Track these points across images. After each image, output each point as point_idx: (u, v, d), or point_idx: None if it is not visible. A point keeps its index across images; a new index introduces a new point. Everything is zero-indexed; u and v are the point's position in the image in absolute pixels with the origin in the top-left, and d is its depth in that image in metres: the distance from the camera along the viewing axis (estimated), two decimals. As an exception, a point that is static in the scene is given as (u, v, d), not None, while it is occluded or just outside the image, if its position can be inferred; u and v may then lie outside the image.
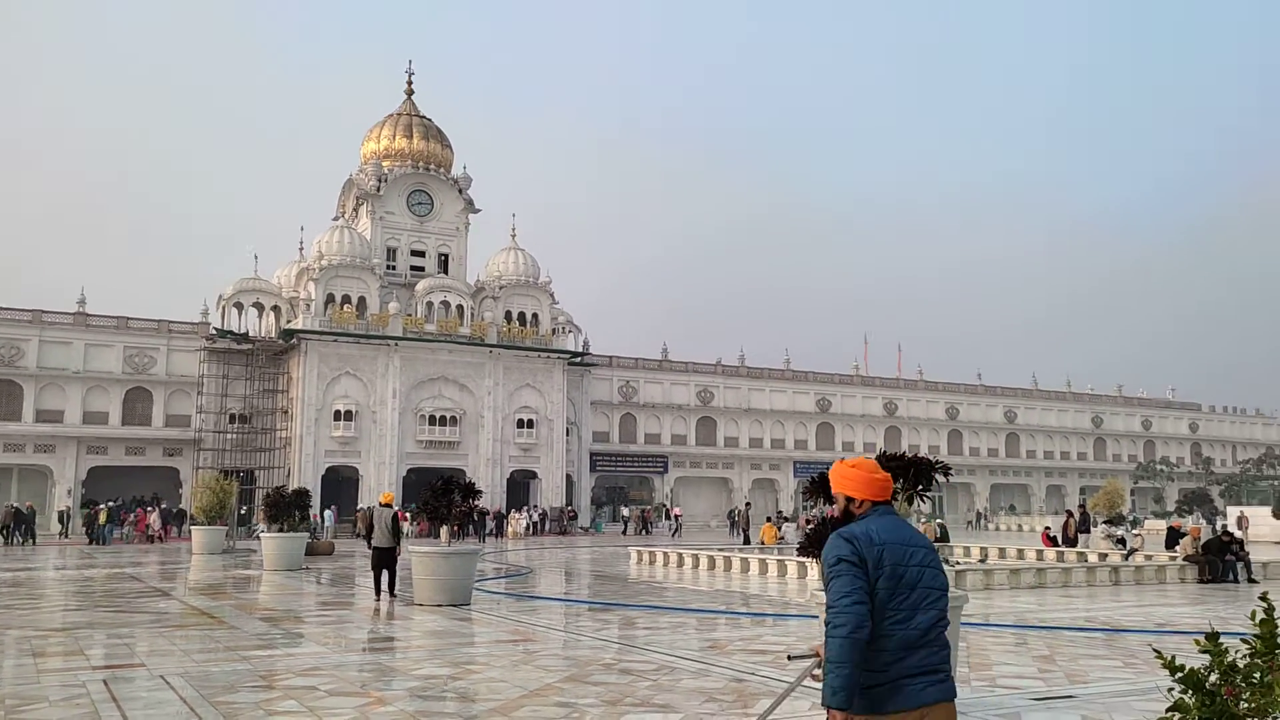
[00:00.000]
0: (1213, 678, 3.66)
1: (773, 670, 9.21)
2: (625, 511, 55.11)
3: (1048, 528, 36.03)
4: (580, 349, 60.54)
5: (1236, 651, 3.83)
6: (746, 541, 37.07)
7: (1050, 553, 25.92)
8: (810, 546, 7.61)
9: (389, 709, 7.63)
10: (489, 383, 54.59)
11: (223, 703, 7.81)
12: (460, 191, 58.15)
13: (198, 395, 51.42)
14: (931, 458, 8.06)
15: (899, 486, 7.67)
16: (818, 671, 3.63)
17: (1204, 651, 3.83)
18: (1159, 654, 4.01)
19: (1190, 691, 3.68)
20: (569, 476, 58.69)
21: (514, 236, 58.79)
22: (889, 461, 7.53)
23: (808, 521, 26.55)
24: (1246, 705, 3.57)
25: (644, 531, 50.86)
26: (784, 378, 73.23)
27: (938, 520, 37.93)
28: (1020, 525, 63.45)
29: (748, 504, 49.76)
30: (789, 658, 5.45)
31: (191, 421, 51.71)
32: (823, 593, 7.45)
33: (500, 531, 47.09)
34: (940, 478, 8.06)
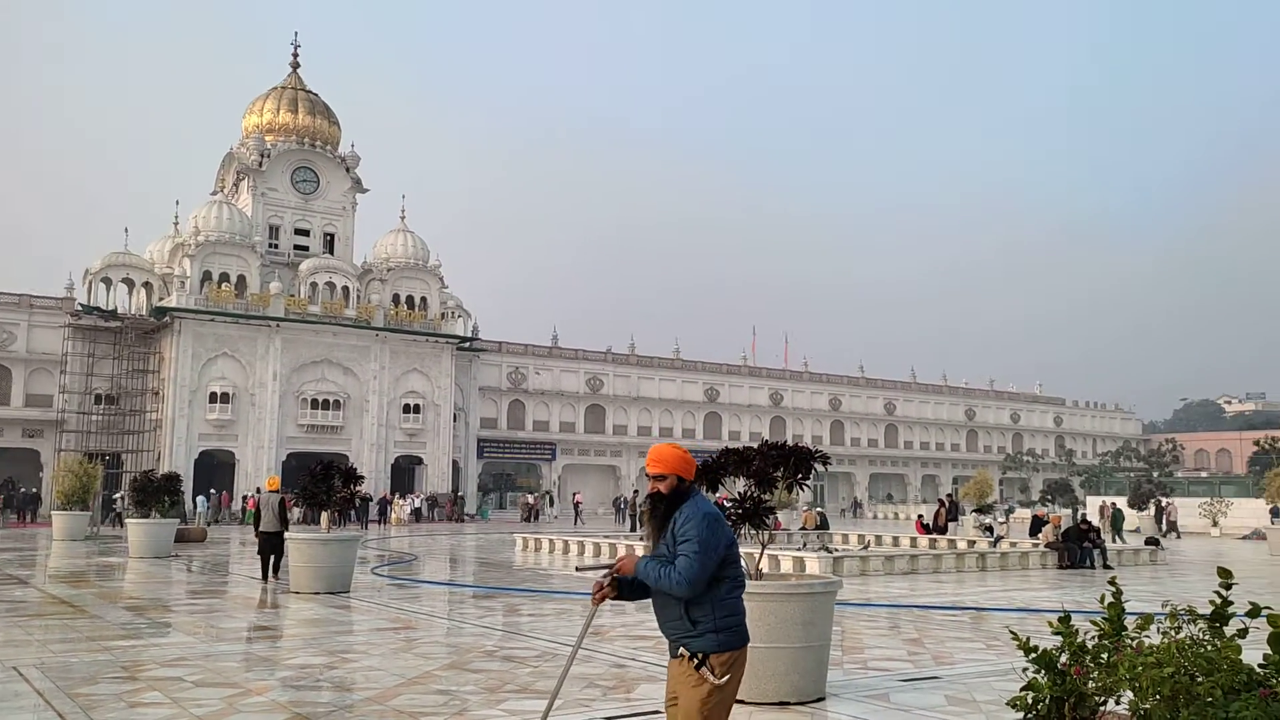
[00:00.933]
0: (1063, 658, 3.87)
1: (653, 655, 9.30)
2: (530, 499, 54.47)
3: (921, 515, 37.32)
4: (470, 334, 59.83)
5: (1087, 633, 4.04)
6: (634, 529, 37.32)
7: (923, 540, 26.87)
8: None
9: (259, 700, 7.41)
10: (375, 366, 53.45)
11: (82, 695, 7.46)
12: (348, 170, 56.63)
13: (61, 374, 48.83)
14: (812, 447, 8.25)
15: (779, 475, 7.85)
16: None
17: (1056, 633, 4.03)
18: (1015, 636, 4.21)
19: (1043, 671, 3.87)
20: (455, 463, 58.01)
21: (403, 218, 57.62)
22: (769, 450, 7.67)
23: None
24: (1094, 684, 3.78)
25: (531, 519, 50.69)
26: (673, 367, 73.90)
27: (818, 508, 38.94)
28: (896, 513, 65.60)
29: (635, 491, 50.08)
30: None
31: (54, 402, 49.06)
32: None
33: (384, 518, 46.24)
34: (819, 466, 8.28)
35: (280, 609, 13.70)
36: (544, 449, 66.42)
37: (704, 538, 3.84)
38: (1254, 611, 3.59)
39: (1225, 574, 3.73)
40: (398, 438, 54.18)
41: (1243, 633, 3.54)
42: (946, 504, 31.72)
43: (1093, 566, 21.34)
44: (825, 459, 8.02)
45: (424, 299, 55.89)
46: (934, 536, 27.63)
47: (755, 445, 8.09)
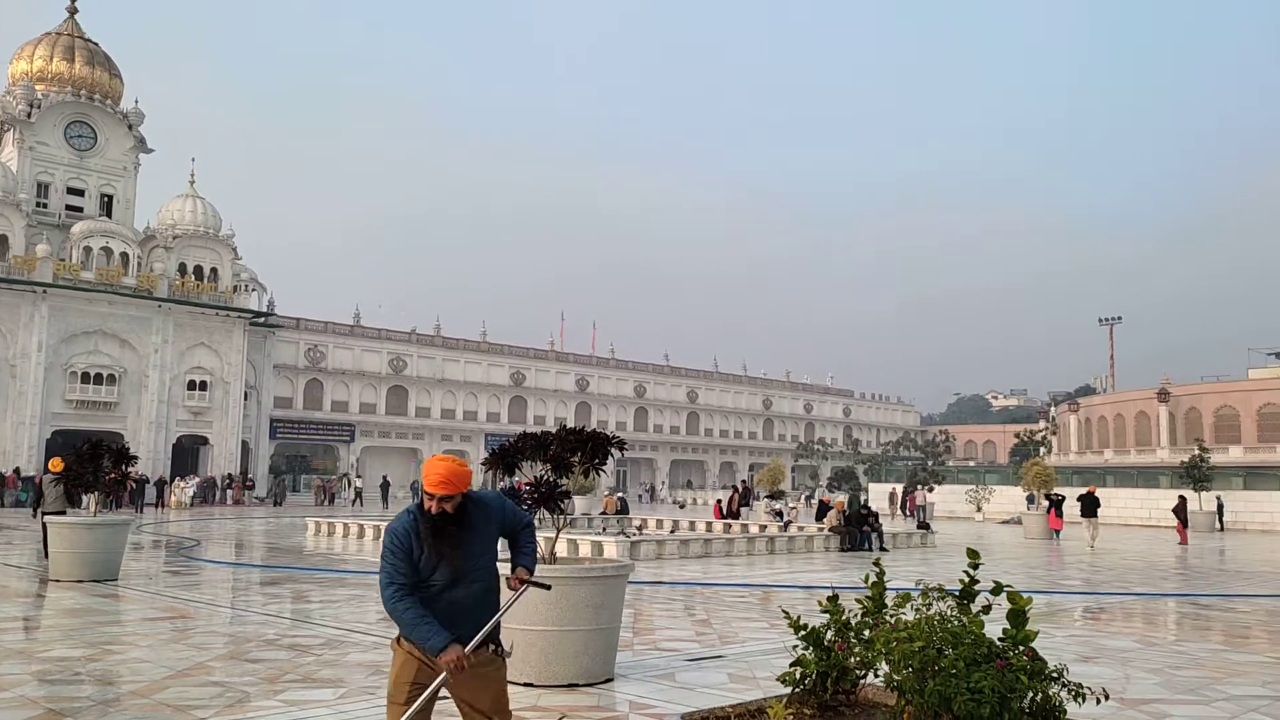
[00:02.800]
0: (830, 635, 4.11)
1: (445, 641, 9.18)
2: (352, 483, 51.83)
3: (719, 501, 38.56)
4: (265, 309, 57.01)
5: (853, 611, 4.30)
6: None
7: (719, 525, 27.79)
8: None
9: (8, 695, 6.80)
10: (156, 340, 50.02)
11: None
12: (130, 128, 52.58)
13: None
14: (616, 433, 8.36)
15: (577, 460, 7.91)
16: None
17: (825, 612, 4.27)
18: (788, 615, 4.42)
19: (811, 647, 4.10)
20: (245, 443, 55.22)
21: (193, 183, 54.10)
22: (567, 435, 7.71)
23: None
24: (856, 658, 4.03)
25: (326, 502, 48.90)
26: (480, 349, 73.10)
27: (619, 494, 39.55)
28: (695, 499, 67.54)
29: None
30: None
31: None
32: (498, 564, 7.49)
33: (162, 501, 43.42)
34: (616, 451, 8.39)
35: (36, 599, 12.62)
36: (342, 430, 64.27)
37: (529, 518, 4.12)
38: (997, 589, 3.91)
39: (973, 555, 4.04)
40: (181, 416, 50.99)
41: (986, 609, 3.86)
42: (740, 490, 32.91)
43: (871, 549, 22.68)
44: (621, 444, 8.14)
45: (214, 270, 52.76)
46: (729, 521, 28.65)
47: (559, 430, 8.13)
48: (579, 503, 35.52)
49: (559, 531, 7.66)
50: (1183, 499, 29.53)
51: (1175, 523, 28.73)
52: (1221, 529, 36.46)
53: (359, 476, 53.85)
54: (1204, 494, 37.44)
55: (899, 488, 49.45)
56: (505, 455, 7.97)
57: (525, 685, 7.08)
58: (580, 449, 7.80)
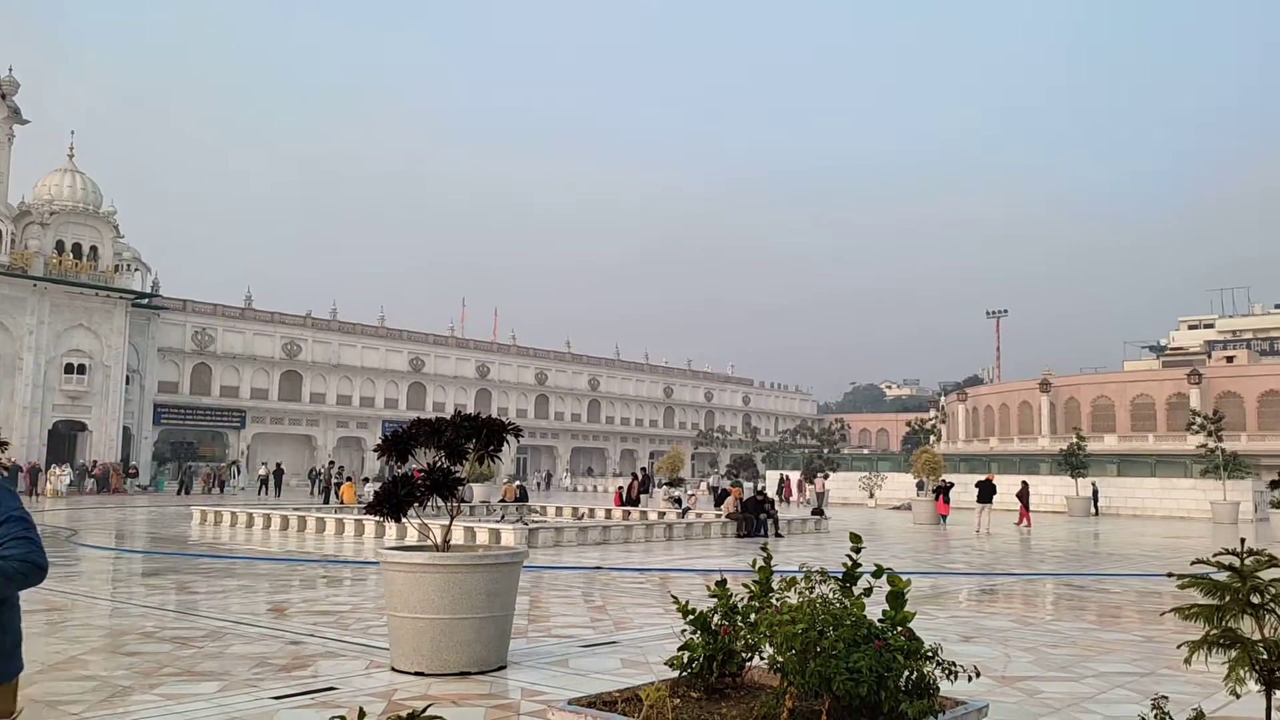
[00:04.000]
0: (716, 619, 4.16)
1: (334, 631, 9.00)
2: (264, 469, 49.44)
3: (620, 488, 38.69)
4: (149, 289, 54.77)
5: (741, 596, 4.36)
6: (326, 501, 35.90)
7: (618, 512, 27.90)
8: (378, 505, 7.51)
9: None
10: (31, 320, 47.60)
11: None
12: (3, 97, 49.78)
13: None
14: (516, 420, 8.31)
15: (471, 446, 7.81)
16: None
17: (713, 596, 4.33)
18: (676, 600, 4.46)
19: (699, 631, 4.14)
20: (127, 429, 53.05)
21: (71, 156, 51.58)
22: (461, 421, 7.62)
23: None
24: (742, 641, 4.09)
25: (213, 490, 47.35)
26: (377, 335, 71.72)
27: (518, 482, 39.35)
28: (596, 486, 67.66)
29: (331, 462, 48.15)
30: None
31: None
32: (389, 551, 7.36)
33: (35, 489, 41.42)
34: (514, 439, 8.32)
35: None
36: (232, 416, 62.28)
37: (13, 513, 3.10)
38: (878, 573, 4.01)
39: (856, 540, 4.14)
40: (57, 400, 48.68)
41: (868, 592, 3.96)
42: (640, 477, 33.09)
43: (767, 535, 23.08)
44: (517, 431, 8.08)
45: (94, 248, 50.44)
46: (628, 508, 28.78)
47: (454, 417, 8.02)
48: (477, 490, 35.22)
49: (452, 519, 7.57)
50: (1025, 484, 31.31)
51: (1025, 505, 30.39)
52: (1096, 513, 38.26)
53: (263, 464, 51.91)
54: (1081, 480, 39.23)
55: (792, 475, 50.43)
56: (398, 441, 7.83)
57: (415, 674, 6.99)
58: (475, 435, 7.71)
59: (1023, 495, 30.34)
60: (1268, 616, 4.05)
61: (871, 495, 45.39)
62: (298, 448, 66.30)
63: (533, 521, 22.47)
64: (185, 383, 60.14)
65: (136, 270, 53.70)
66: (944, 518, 30.23)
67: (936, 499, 30.68)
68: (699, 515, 26.09)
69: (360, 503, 29.76)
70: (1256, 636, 4.08)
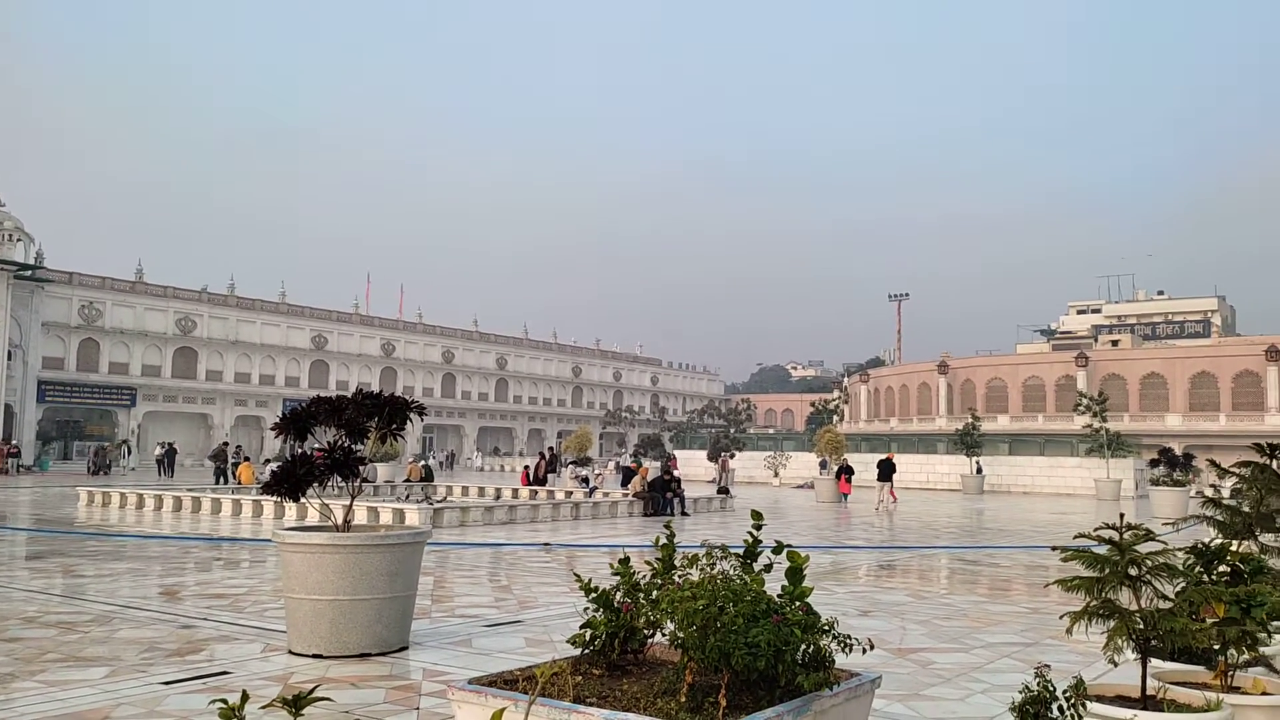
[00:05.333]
0: (619, 596, 4.16)
1: (229, 614, 8.76)
2: (159, 449, 46.90)
3: (527, 468, 38.55)
4: (32, 261, 52.20)
5: (641, 574, 4.37)
6: (224, 481, 34.87)
7: (525, 491, 27.81)
8: (275, 485, 7.31)
9: None
10: (-98, 291, 44.95)
11: None
12: None
13: None
14: (422, 399, 8.17)
15: (373, 425, 7.66)
16: None
17: (616, 574, 4.33)
18: (579, 578, 4.45)
19: (601, 609, 4.14)
20: (9, 407, 50.62)
21: (-53, 118, 48.65)
22: (363, 399, 7.47)
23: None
24: (644, 618, 4.11)
25: (102, 470, 45.53)
26: (278, 311, 69.80)
27: (423, 461, 38.87)
28: (503, 465, 67.28)
29: (225, 443, 46.78)
30: None
31: None
32: (286, 532, 7.18)
33: (-91, 470, 39.26)
34: (417, 417, 8.19)
35: None
36: (122, 394, 59.95)
37: None
38: (778, 549, 4.07)
39: (757, 517, 4.19)
40: (-68, 377, 46.16)
41: (768, 568, 4.01)
42: (547, 456, 33.03)
43: (673, 513, 23.29)
44: (421, 409, 7.95)
45: (-27, 216, 47.82)
46: (535, 488, 28.71)
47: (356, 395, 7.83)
48: (382, 470, 34.71)
49: (353, 499, 7.43)
50: (890, 460, 30.72)
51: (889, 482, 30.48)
52: (980, 491, 39.68)
53: (158, 445, 49.76)
54: (975, 459, 40.59)
55: (681, 454, 50.90)
56: (296, 420, 7.63)
57: (314, 657, 6.85)
58: (378, 414, 7.57)
59: (886, 472, 30.24)
60: (1144, 588, 4.24)
61: (776, 474, 46.20)
62: (193, 427, 64.22)
63: (438, 501, 22.23)
64: (71, 359, 57.62)
65: (19, 241, 51.12)
66: (845, 496, 30.94)
67: (839, 478, 31.37)
68: (606, 494, 26.18)
69: (259, 483, 28.99)
70: (1133, 607, 4.27)
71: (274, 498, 7.66)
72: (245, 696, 2.83)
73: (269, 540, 14.95)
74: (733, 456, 47.54)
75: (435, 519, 18.15)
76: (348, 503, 7.39)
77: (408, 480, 30.94)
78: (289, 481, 7.29)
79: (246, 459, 37.66)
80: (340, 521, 7.30)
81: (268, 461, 44.60)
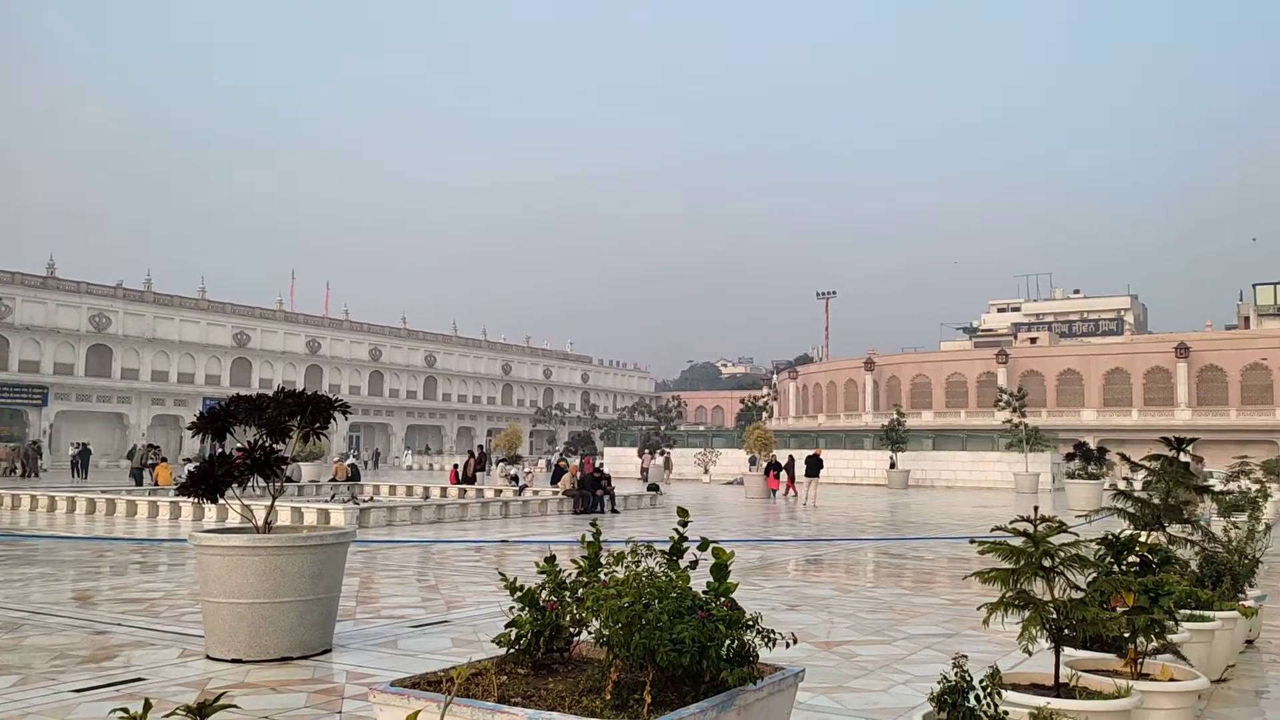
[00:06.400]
0: (545, 594, 4.14)
1: (144, 619, 8.50)
2: (73, 449, 44.64)
3: (455, 466, 38.20)
4: (-65, 254, 50.03)
5: (568, 572, 4.36)
6: (139, 483, 33.86)
7: (453, 490, 27.54)
8: (193, 485, 7.11)
9: None
10: None
11: None
12: None
13: None
14: (349, 397, 8.03)
15: (296, 424, 7.50)
16: None
17: (542, 572, 4.30)
18: (504, 576, 4.42)
19: (527, 608, 4.11)
20: (-90, 407, 48.49)
21: None
22: (285, 397, 7.32)
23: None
24: (570, 617, 4.09)
25: (19, 473, 43.81)
26: (198, 307, 68.05)
27: (349, 460, 38.28)
28: (432, 464, 66.56)
29: (149, 445, 45.43)
30: None
31: None
32: (203, 534, 7.00)
33: None
34: (340, 416, 8.05)
35: None
36: (33, 393, 57.85)
37: None
38: (704, 545, 4.09)
39: (683, 513, 4.20)
40: None
41: (694, 564, 4.03)
42: (476, 455, 32.81)
43: (603, 511, 23.29)
44: (345, 408, 7.82)
45: None
46: (464, 486, 28.45)
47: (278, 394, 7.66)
48: (306, 469, 34.10)
49: (274, 499, 7.27)
50: (791, 458, 31.93)
51: (791, 478, 31.20)
52: (905, 486, 40.49)
53: (72, 445, 47.77)
54: (891, 455, 41.35)
55: (611, 451, 51.03)
56: (215, 419, 7.44)
57: (233, 662, 6.69)
58: (300, 412, 7.42)
59: (789, 468, 31.05)
60: (1057, 579, 4.36)
61: (706, 471, 46.48)
62: (108, 427, 62.27)
63: (364, 501, 21.89)
64: (-22, 357, 55.44)
65: (-80, 233, 48.96)
66: (774, 492, 31.28)
67: (768, 474, 31.69)
68: (536, 493, 26.08)
69: (177, 484, 28.22)
70: (1047, 598, 4.39)
71: (192, 499, 7.48)
72: (148, 705, 2.74)
73: (186, 542, 14.57)
74: (664, 454, 47.81)
75: (361, 519, 17.87)
76: (269, 503, 7.23)
77: (333, 480, 30.41)
78: (207, 482, 7.10)
79: (164, 459, 36.63)
80: (261, 522, 7.14)
81: (187, 462, 43.45)
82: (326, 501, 20.86)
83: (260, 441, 7.25)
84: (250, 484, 7.32)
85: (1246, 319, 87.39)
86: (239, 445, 7.45)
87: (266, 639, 6.73)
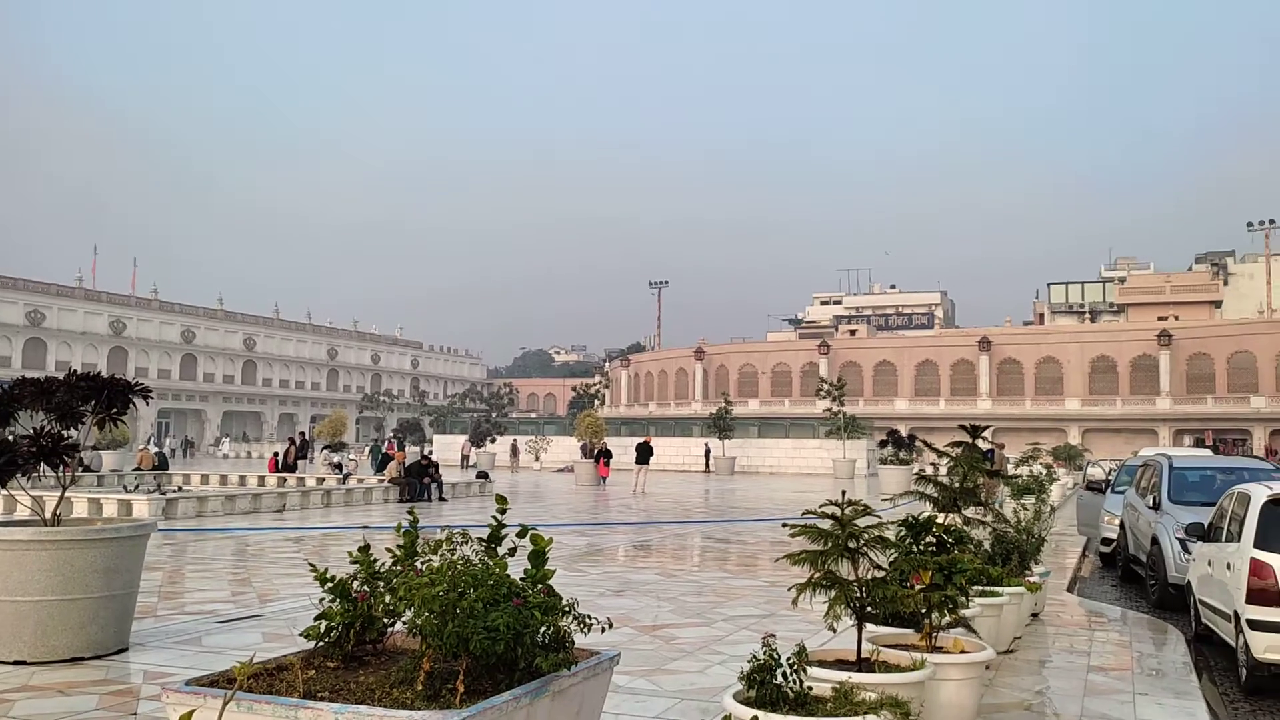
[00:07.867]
0: (357, 585, 4.01)
1: None
2: None
3: (275, 454, 36.66)
4: None
5: (383, 561, 4.24)
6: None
7: (272, 478, 26.41)
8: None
9: None
10: None
11: None
12: None
13: None
14: (138, 381, 7.50)
15: (89, 409, 6.99)
16: None
17: (355, 562, 4.17)
18: (314, 567, 4.26)
19: (337, 599, 3.98)
20: None
21: None
22: (77, 381, 6.81)
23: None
24: (383, 607, 3.98)
25: None
26: (-15, 282, 62.58)
27: (156, 449, 36.14)
28: (250, 452, 63.66)
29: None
30: None
31: None
32: (-21, 528, 6.42)
33: None
34: (142, 401, 7.56)
35: None
36: None
37: None
38: (523, 532, 4.06)
39: (502, 501, 4.16)
40: None
41: (513, 551, 3.99)
42: (298, 442, 31.63)
43: (430, 499, 22.87)
44: (146, 392, 7.35)
45: None
46: (284, 475, 27.33)
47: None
48: (108, 458, 31.97)
49: (64, 490, 6.76)
50: (591, 444, 32.66)
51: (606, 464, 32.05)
52: (707, 471, 41.69)
53: None
54: (706, 442, 42.55)
55: (440, 439, 50.36)
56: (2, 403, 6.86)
57: (16, 664, 6.19)
58: (94, 396, 6.93)
59: (604, 454, 31.85)
60: (862, 559, 4.58)
61: (537, 458, 46.40)
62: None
63: (172, 491, 20.70)
64: None
65: None
66: (604, 479, 31.54)
67: (598, 461, 31.91)
68: (360, 481, 25.36)
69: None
70: (852, 578, 4.60)
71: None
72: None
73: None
74: (494, 441, 47.41)
75: (168, 510, 16.91)
76: (58, 495, 6.72)
77: (138, 469, 28.59)
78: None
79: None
80: (49, 515, 6.63)
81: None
82: (129, 492, 19.59)
83: (49, 428, 6.72)
84: (41, 474, 6.80)
85: (1041, 315, 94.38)
86: (24, 433, 6.90)
87: (54, 639, 6.26)
